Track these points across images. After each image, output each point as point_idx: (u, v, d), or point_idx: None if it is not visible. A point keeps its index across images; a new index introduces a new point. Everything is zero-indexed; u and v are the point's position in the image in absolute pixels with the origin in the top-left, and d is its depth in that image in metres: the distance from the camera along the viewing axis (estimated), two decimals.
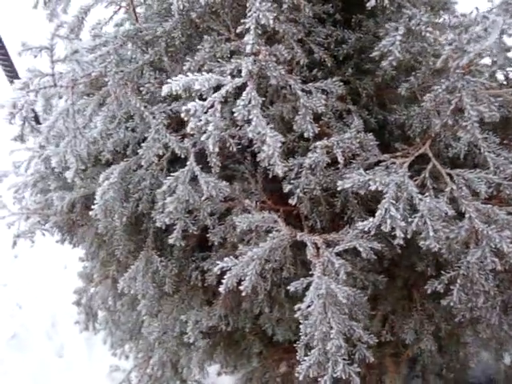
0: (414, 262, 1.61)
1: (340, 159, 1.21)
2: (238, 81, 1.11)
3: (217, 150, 1.05)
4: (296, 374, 1.27)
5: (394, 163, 1.27)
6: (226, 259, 1.26)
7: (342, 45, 1.50)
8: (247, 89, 1.12)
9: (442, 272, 1.37)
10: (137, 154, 1.56)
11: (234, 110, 1.09)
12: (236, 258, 1.31)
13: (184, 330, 1.78)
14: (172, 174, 1.44)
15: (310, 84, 1.28)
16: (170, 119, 1.40)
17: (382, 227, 1.13)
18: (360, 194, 1.45)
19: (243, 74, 1.13)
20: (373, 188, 1.14)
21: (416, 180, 1.30)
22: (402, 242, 1.14)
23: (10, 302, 3.54)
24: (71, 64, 1.25)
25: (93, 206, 1.46)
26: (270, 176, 1.50)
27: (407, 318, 1.69)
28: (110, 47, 1.41)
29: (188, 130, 1.03)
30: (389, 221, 1.12)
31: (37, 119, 1.98)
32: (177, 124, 1.41)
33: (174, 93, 1.06)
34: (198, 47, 1.29)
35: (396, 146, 1.43)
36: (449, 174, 1.30)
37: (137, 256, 1.80)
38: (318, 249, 1.29)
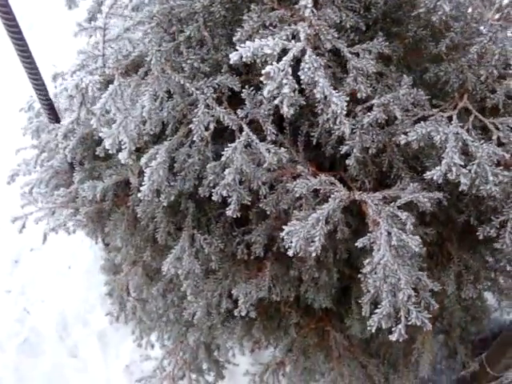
0: (451, 215, 1.67)
1: (398, 115, 1.26)
2: (300, 45, 1.13)
3: (291, 112, 1.08)
4: (368, 328, 1.31)
5: (442, 116, 1.32)
6: (292, 223, 1.29)
7: (371, 9, 1.54)
8: (308, 52, 1.14)
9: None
10: (176, 133, 1.58)
11: (299, 73, 1.12)
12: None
13: (229, 306, 1.81)
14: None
15: (357, 46, 1.32)
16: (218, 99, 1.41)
17: (448, 175, 1.17)
18: (404, 153, 1.50)
19: (302, 38, 1.16)
20: (437, 138, 1.19)
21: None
22: (465, 188, 1.19)
23: (17, 308, 3.48)
24: (121, 42, 1.25)
25: (141, 188, 1.47)
26: (314, 143, 1.56)
27: (445, 270, 1.75)
28: (148, 26, 1.42)
29: (265, 93, 1.05)
30: (454, 168, 1.17)
31: (54, 111, 1.96)
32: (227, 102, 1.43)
33: (244, 59, 1.08)
34: (244, 18, 1.30)
35: (433, 103, 1.48)
36: (492, 123, 1.35)
37: (176, 237, 1.81)
38: (377, 205, 1.33)
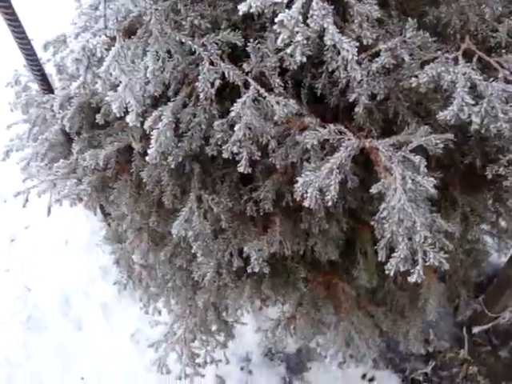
0: (455, 159, 1.69)
1: (406, 59, 1.26)
2: None
3: (304, 59, 1.07)
4: (386, 272, 1.34)
5: (447, 58, 1.32)
6: (306, 173, 1.30)
7: None
8: (315, 0, 1.13)
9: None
10: (178, 94, 1.56)
11: (308, 21, 1.11)
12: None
13: (240, 264, 1.83)
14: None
15: None
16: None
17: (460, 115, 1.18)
18: (408, 99, 1.51)
19: None
20: (448, 78, 1.19)
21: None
22: (477, 127, 1.20)
23: (18, 286, 3.48)
24: (121, 1, 1.22)
25: (148, 151, 1.46)
26: (318, 95, 1.55)
27: (451, 214, 1.78)
28: None
29: (279, 42, 1.04)
30: (466, 108, 1.18)
31: (47, 81, 1.92)
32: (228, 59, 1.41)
33: (254, 9, 1.06)
34: None
35: (435, 46, 1.47)
36: (497, 62, 1.36)
37: (182, 200, 1.81)
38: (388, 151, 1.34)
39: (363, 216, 1.91)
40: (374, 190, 1.30)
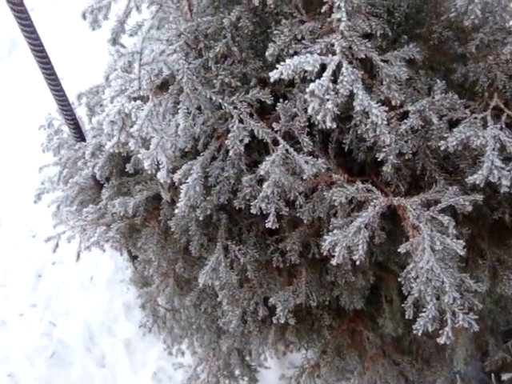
0: (483, 213, 1.68)
1: (435, 121, 1.27)
2: (336, 58, 1.14)
3: (334, 126, 1.09)
4: (414, 331, 1.33)
5: (476, 118, 1.33)
6: (334, 232, 1.31)
7: (394, 13, 1.55)
8: (344, 65, 1.15)
9: None
10: (207, 147, 1.59)
11: (337, 86, 1.13)
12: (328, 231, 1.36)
13: (266, 313, 1.83)
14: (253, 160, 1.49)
15: (388, 54, 1.33)
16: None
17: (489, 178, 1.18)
18: (436, 155, 1.51)
19: (337, 51, 1.17)
20: (477, 143, 1.20)
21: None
22: (507, 190, 1.20)
23: (43, 322, 3.51)
24: (158, 65, 1.26)
25: (177, 204, 1.48)
26: (346, 150, 1.57)
27: (479, 266, 1.76)
28: (177, 45, 1.43)
29: (309, 111, 1.06)
30: (495, 172, 1.18)
31: (79, 130, 1.98)
32: (257, 114, 1.44)
33: (285, 77, 1.09)
34: (275, 32, 1.31)
35: (463, 103, 1.48)
36: None
37: (208, 249, 1.83)
38: (415, 210, 1.34)
39: (389, 265, 1.90)
40: (402, 249, 1.30)
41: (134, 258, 2.38)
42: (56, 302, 3.58)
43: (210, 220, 1.78)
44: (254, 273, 1.73)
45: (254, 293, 1.82)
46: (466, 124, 1.31)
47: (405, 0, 1.55)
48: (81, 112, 2.25)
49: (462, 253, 1.22)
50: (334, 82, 1.13)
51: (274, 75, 1.09)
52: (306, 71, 1.10)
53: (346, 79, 1.12)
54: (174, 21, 1.61)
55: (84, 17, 1.68)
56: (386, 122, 1.14)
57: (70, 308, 3.57)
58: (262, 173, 1.34)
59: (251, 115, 1.47)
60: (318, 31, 1.32)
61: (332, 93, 1.08)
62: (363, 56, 1.23)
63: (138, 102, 1.18)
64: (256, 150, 1.61)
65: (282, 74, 1.09)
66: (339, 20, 1.16)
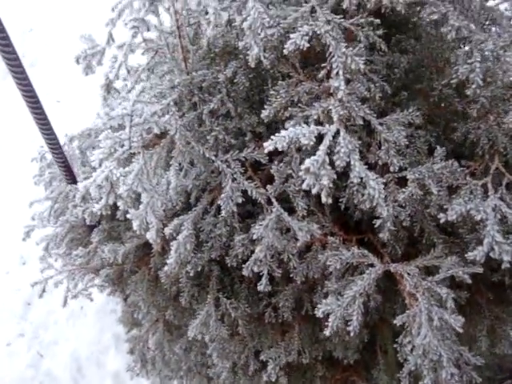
0: (483, 274, 1.63)
1: (434, 191, 1.23)
2: (334, 128, 1.10)
3: (330, 201, 1.05)
4: None
5: (476, 185, 1.29)
6: (328, 301, 1.26)
7: (394, 69, 1.51)
8: (341, 134, 1.11)
9: None
10: (199, 200, 1.55)
11: (334, 158, 1.09)
12: (326, 295, 1.31)
13: (257, 367, 1.77)
14: (247, 219, 1.45)
15: (387, 117, 1.29)
16: (242, 165, 1.39)
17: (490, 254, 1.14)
18: (434, 219, 1.47)
19: (335, 119, 1.13)
20: (478, 218, 1.16)
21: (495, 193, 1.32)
22: (508, 266, 1.16)
23: (31, 352, 3.44)
24: (149, 125, 1.22)
25: (167, 261, 1.43)
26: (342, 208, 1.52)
27: (477, 326, 1.71)
28: (170, 99, 1.39)
29: (304, 186, 1.02)
30: (496, 247, 1.14)
31: (71, 172, 1.93)
32: (251, 168, 1.40)
33: (280, 149, 1.05)
34: (271, 92, 1.27)
35: (462, 164, 1.45)
36: None
37: (199, 300, 1.78)
38: (412, 277, 1.29)
39: (384, 315, 1.85)
40: (398, 321, 1.25)
41: (124, 299, 2.33)
42: (44, 332, 3.51)
43: (202, 271, 1.73)
44: (245, 327, 1.68)
45: (245, 346, 1.77)
46: (466, 192, 1.27)
47: (404, 56, 1.52)
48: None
49: (461, 331, 1.18)
50: (330, 152, 1.09)
51: (268, 147, 1.05)
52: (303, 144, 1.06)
53: (342, 150, 1.08)
54: (168, 71, 1.57)
55: (77, 62, 1.64)
56: (383, 196, 1.10)
57: (59, 338, 3.49)
58: (254, 237, 1.29)
59: (245, 170, 1.44)
60: (315, 91, 1.29)
61: (328, 167, 1.03)
62: (361, 122, 1.19)
63: (127, 168, 1.14)
64: (250, 201, 1.57)
65: (276, 145, 1.04)
66: (337, 88, 1.12)
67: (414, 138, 1.45)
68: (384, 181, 1.12)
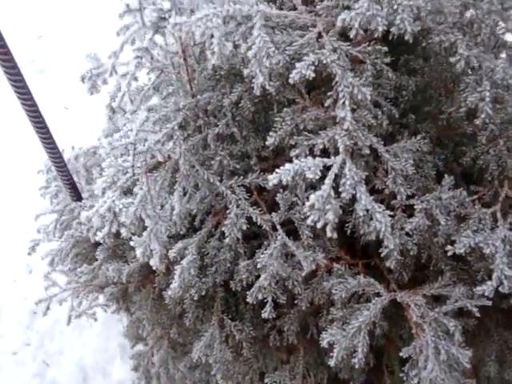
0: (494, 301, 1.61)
1: (442, 221, 1.20)
2: (339, 159, 1.08)
3: (335, 236, 1.03)
4: None
5: (485, 213, 1.26)
6: (333, 331, 1.24)
7: (402, 91, 1.49)
8: (347, 165, 1.09)
9: None
10: (203, 223, 1.53)
11: (340, 189, 1.07)
12: (332, 322, 1.30)
13: None
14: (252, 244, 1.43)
15: (395, 145, 1.27)
16: (247, 191, 1.37)
17: (499, 288, 1.12)
18: (441, 245, 1.45)
19: (340, 149, 1.11)
20: (487, 251, 1.13)
21: (504, 221, 1.30)
22: None
23: (37, 361, 3.43)
24: (152, 153, 1.21)
25: (171, 286, 1.42)
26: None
27: (485, 349, 1.68)
28: (175, 123, 1.38)
29: (309, 222, 1.00)
30: (506, 282, 1.11)
31: (76, 190, 1.93)
32: (256, 191, 1.39)
33: (285, 183, 1.03)
34: (276, 119, 1.26)
35: (472, 189, 1.42)
36: None
37: (204, 320, 1.76)
38: (419, 307, 1.27)
39: (391, 335, 1.83)
40: (404, 354, 1.23)
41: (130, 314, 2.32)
42: (50, 341, 3.51)
43: (207, 293, 1.71)
44: (249, 350, 1.66)
45: (250, 367, 1.75)
46: (475, 221, 1.25)
47: (412, 77, 1.49)
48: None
49: (468, 366, 1.15)
50: (336, 184, 1.07)
51: (272, 180, 1.04)
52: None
53: (348, 182, 1.06)
54: (173, 92, 1.56)
55: (83, 81, 1.63)
56: (390, 229, 1.08)
57: (65, 347, 3.49)
58: (259, 266, 1.28)
59: (251, 193, 1.42)
60: (321, 117, 1.27)
61: (333, 201, 1.01)
62: (368, 152, 1.17)
63: (129, 199, 1.13)
64: (255, 223, 1.55)
65: (280, 179, 1.03)
66: (343, 118, 1.10)
67: (421, 162, 1.43)
68: (391, 213, 1.10)
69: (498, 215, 1.25)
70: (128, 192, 1.32)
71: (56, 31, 4.91)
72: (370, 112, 1.23)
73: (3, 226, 3.96)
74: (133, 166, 1.21)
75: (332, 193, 1.03)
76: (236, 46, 1.34)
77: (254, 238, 1.57)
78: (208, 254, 1.49)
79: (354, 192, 1.07)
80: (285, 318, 1.61)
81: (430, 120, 1.55)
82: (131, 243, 1.28)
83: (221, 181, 1.38)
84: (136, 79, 1.51)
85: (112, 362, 3.47)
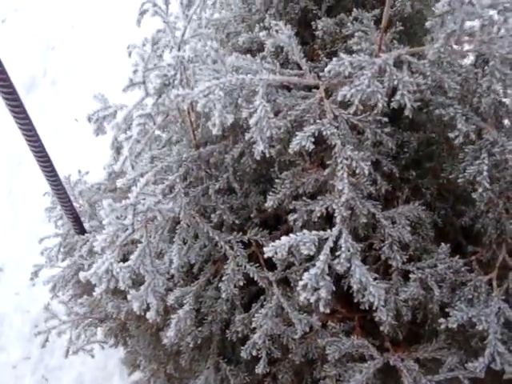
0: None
1: (436, 292, 1.21)
2: (335, 232, 1.09)
3: (329, 297, 1.04)
4: None
5: (481, 281, 1.27)
6: None
7: (404, 148, 1.50)
8: (343, 236, 1.10)
9: None
10: (201, 270, 1.55)
11: (335, 262, 1.08)
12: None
13: None
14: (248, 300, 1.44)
15: (393, 210, 1.28)
16: (244, 246, 1.38)
17: (491, 365, 1.12)
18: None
19: (337, 220, 1.12)
20: (480, 328, 1.14)
21: (500, 290, 1.30)
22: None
23: (36, 376, 3.46)
24: (152, 213, 1.22)
25: (167, 334, 1.44)
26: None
27: None
28: (177, 175, 1.39)
29: (301, 299, 1.01)
30: (498, 358, 1.12)
31: (79, 223, 1.95)
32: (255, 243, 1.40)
33: (280, 257, 1.04)
34: (276, 181, 1.27)
35: (469, 249, 1.43)
36: None
37: (200, 360, 1.78)
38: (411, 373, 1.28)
39: None
40: None
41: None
42: (50, 356, 3.53)
43: (203, 339, 1.73)
44: None
45: None
46: (470, 289, 1.25)
47: (414, 134, 1.50)
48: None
49: None
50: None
51: (268, 253, 1.05)
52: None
53: (343, 255, 1.07)
54: (177, 140, 1.58)
55: (89, 121, 1.65)
56: (383, 302, 1.08)
57: (64, 362, 3.51)
58: (254, 325, 1.29)
59: (249, 244, 1.43)
60: (321, 179, 1.28)
61: (327, 278, 1.02)
62: (365, 220, 1.18)
63: (129, 262, 1.14)
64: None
65: (276, 253, 1.04)
66: (341, 191, 1.11)
67: (419, 225, 1.43)
68: (386, 284, 1.11)
69: (494, 283, 1.26)
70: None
71: (69, 43, 4.94)
72: (370, 175, 1.24)
73: (7, 239, 3.99)
74: (132, 224, 1.22)
75: (326, 268, 1.04)
76: (237, 106, 1.36)
77: (253, 283, 1.58)
78: (205, 303, 1.50)
79: (348, 265, 1.08)
80: (279, 366, 1.61)
81: (431, 176, 1.55)
82: (128, 297, 1.29)
83: (221, 231, 1.39)
84: (138, 141, 1.53)
85: (111, 379, 3.48)
